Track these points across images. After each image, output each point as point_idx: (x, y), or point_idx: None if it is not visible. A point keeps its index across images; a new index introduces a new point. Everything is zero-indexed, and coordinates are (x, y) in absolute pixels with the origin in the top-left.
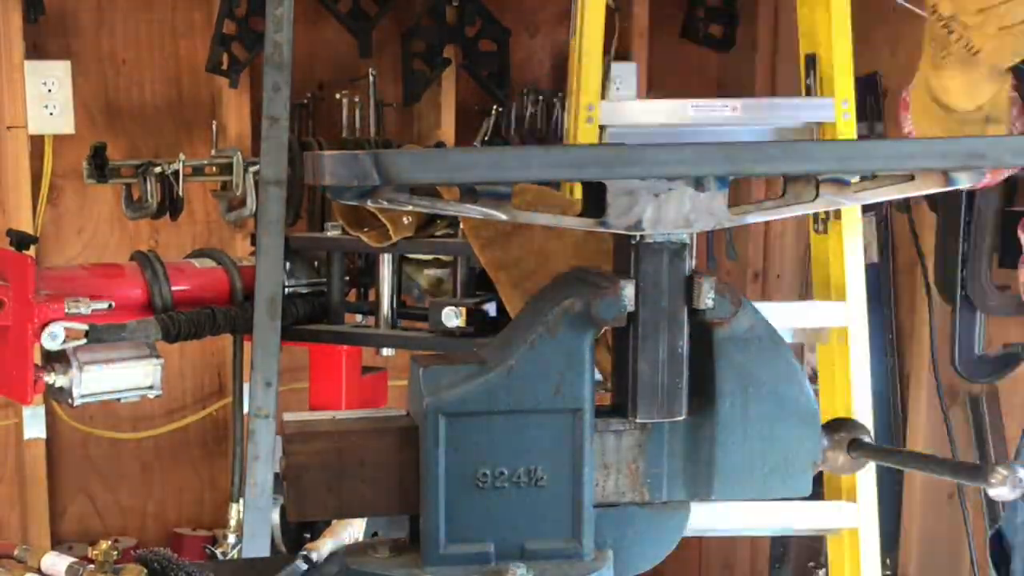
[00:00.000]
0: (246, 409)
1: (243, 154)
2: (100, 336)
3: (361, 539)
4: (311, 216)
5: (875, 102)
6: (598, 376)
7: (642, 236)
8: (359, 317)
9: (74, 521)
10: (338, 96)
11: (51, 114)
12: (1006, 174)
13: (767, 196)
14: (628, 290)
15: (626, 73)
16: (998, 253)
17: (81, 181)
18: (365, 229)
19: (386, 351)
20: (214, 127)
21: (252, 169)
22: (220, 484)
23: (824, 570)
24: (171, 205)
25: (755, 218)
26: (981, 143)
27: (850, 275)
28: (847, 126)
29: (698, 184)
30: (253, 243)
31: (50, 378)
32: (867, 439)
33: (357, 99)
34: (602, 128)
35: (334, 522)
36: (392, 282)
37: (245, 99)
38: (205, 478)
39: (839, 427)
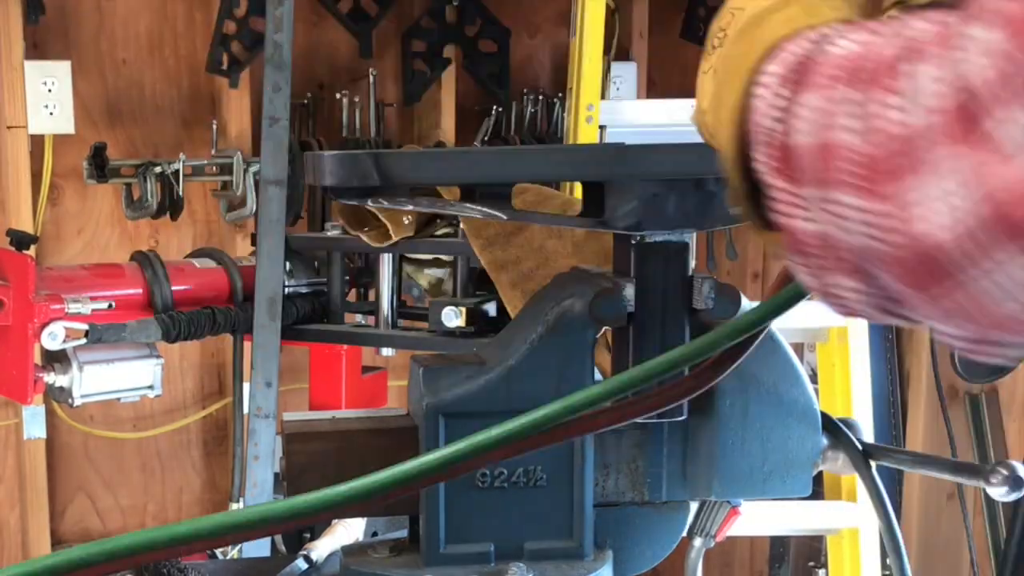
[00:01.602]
0: (246, 409)
1: (243, 154)
2: (100, 336)
3: (361, 539)
4: (311, 216)
5: None
6: (598, 376)
7: (642, 236)
8: (359, 317)
9: (74, 521)
10: (338, 96)
11: (51, 114)
12: None
13: None
14: (628, 290)
15: (626, 73)
16: None
17: (81, 181)
18: (365, 229)
19: (386, 351)
20: (214, 127)
21: (252, 169)
22: (220, 484)
23: (824, 570)
24: (171, 205)
25: None
26: None
27: None
28: None
29: (698, 184)
30: (253, 243)
31: (50, 378)
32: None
33: (357, 99)
34: (602, 128)
35: (334, 522)
36: (392, 282)
37: (245, 99)
38: (205, 478)
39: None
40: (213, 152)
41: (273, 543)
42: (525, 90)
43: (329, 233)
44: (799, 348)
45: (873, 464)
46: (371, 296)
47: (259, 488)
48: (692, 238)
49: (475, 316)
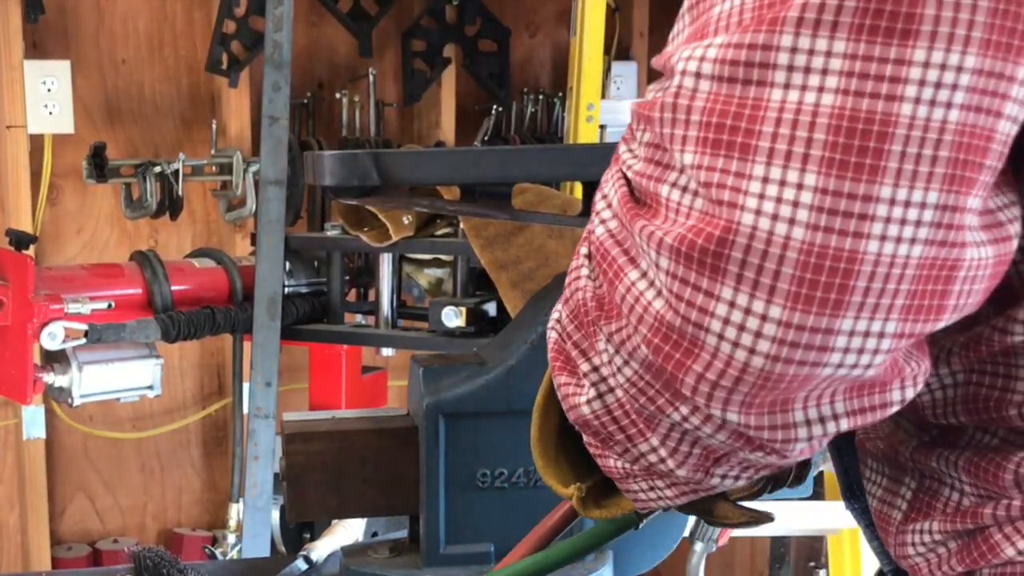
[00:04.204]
0: (246, 409)
1: (243, 154)
2: (99, 336)
3: (361, 539)
4: (311, 216)
5: None
6: None
7: None
8: (359, 317)
9: (73, 521)
10: (338, 96)
11: (51, 114)
12: None
13: None
14: None
15: (626, 73)
16: None
17: (81, 181)
18: (365, 229)
19: (386, 351)
20: (214, 127)
21: (252, 169)
22: (220, 484)
23: (825, 570)
24: (171, 205)
25: None
26: None
27: None
28: None
29: None
30: (253, 243)
31: (49, 378)
32: None
33: (357, 99)
34: (602, 128)
35: (334, 522)
36: (392, 282)
37: (245, 99)
38: (205, 478)
39: None
40: (213, 152)
41: (273, 543)
42: (525, 89)
43: (329, 233)
44: None
45: None
46: (371, 296)
47: (259, 488)
48: None
49: (475, 316)
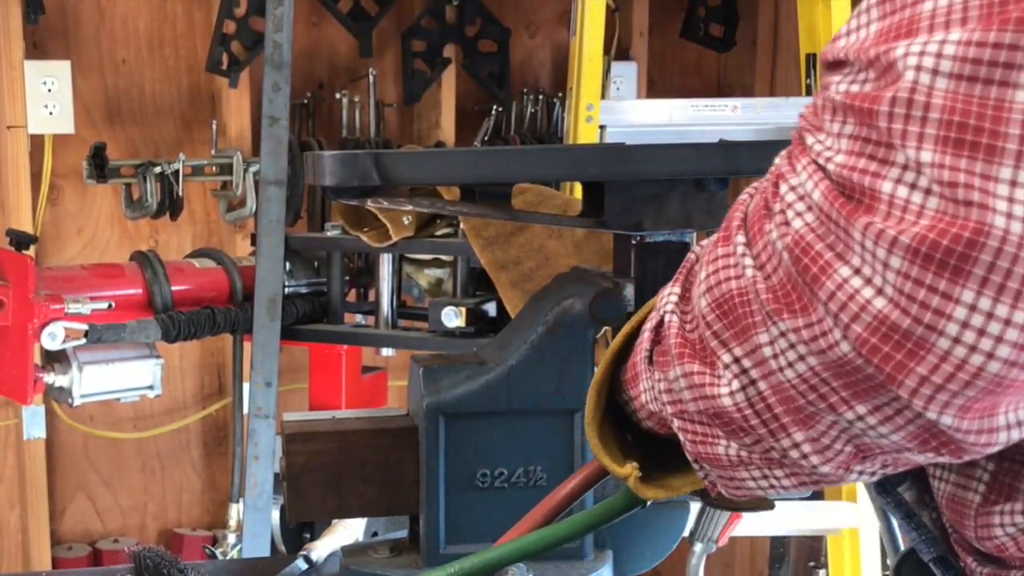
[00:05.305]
0: (246, 409)
1: (243, 154)
2: (100, 336)
3: (361, 539)
4: (311, 216)
5: None
6: None
7: (642, 236)
8: (359, 317)
9: (74, 521)
10: (338, 96)
11: (51, 114)
12: None
13: None
14: (628, 290)
15: (626, 73)
16: None
17: (81, 181)
18: (365, 229)
19: (386, 351)
20: (214, 127)
21: (252, 169)
22: (220, 484)
23: (824, 570)
24: (171, 205)
25: None
26: None
27: None
28: None
29: (698, 184)
30: (253, 243)
31: (50, 378)
32: None
33: (357, 99)
34: (602, 128)
35: (334, 522)
36: (392, 282)
37: (245, 99)
38: (205, 478)
39: None
40: (213, 152)
41: (273, 543)
42: (525, 90)
43: (329, 233)
44: None
45: None
46: (371, 296)
47: (259, 488)
48: (692, 238)
49: (475, 316)
